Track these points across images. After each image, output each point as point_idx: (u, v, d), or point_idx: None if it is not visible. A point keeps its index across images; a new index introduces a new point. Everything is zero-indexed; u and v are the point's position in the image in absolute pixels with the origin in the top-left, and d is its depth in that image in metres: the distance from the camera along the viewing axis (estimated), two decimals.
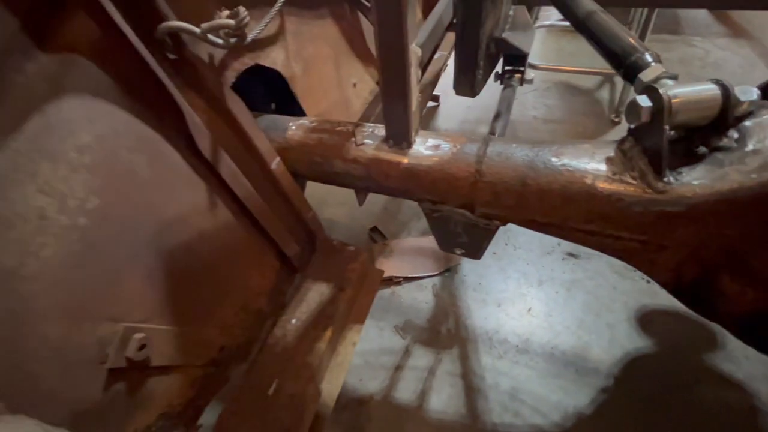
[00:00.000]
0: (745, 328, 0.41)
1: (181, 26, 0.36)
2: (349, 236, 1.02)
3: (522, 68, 0.96)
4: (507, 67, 0.97)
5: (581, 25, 0.53)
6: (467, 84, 0.88)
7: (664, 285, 0.44)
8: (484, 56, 0.83)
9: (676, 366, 0.72)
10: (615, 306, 0.81)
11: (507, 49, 0.90)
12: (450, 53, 1.02)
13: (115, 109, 0.34)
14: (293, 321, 0.53)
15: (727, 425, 0.65)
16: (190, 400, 0.41)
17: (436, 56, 0.97)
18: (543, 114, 1.32)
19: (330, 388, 0.53)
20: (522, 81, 0.98)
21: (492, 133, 0.83)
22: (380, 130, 0.49)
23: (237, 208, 0.46)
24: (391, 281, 0.89)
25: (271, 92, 0.65)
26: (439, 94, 1.42)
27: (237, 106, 0.44)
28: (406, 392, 0.72)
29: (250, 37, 0.45)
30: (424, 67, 0.95)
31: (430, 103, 1.41)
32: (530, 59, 1.03)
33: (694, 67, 1.46)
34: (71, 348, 0.30)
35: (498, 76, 0.99)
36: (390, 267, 0.91)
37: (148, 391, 0.37)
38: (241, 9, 0.38)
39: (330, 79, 0.68)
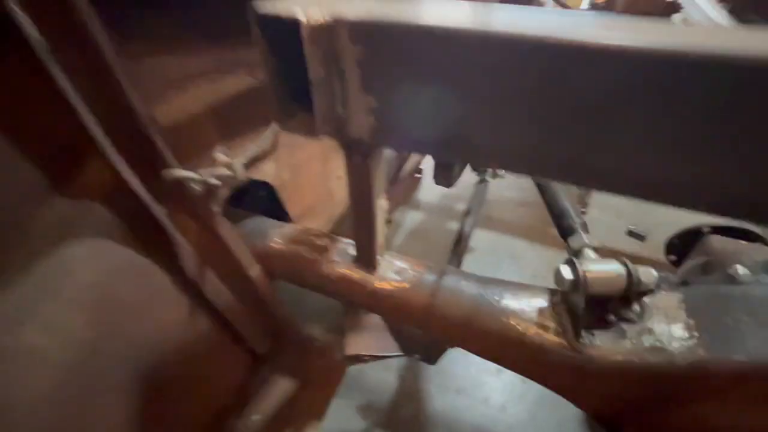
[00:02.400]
0: None
1: (184, 175, 0.42)
2: (322, 306, 1.06)
3: None
4: None
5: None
6: (444, 178, 0.97)
7: (590, 415, 0.49)
8: None
9: None
10: (567, 403, 0.86)
11: None
12: None
13: (115, 245, 0.40)
14: (255, 417, 0.56)
15: None
16: None
17: None
18: (517, 196, 1.42)
19: None
20: (495, 175, 1.08)
21: (461, 232, 0.90)
22: (352, 249, 0.55)
23: (213, 315, 0.50)
24: (359, 359, 0.92)
25: (263, 185, 0.72)
26: (422, 167, 1.51)
27: (225, 227, 0.49)
28: None
29: (243, 161, 0.51)
30: (405, 160, 1.04)
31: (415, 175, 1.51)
32: None
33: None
34: None
35: (474, 168, 1.09)
36: (359, 343, 0.94)
37: None
38: (237, 163, 0.44)
39: (316, 175, 0.76)
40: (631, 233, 0.99)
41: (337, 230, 0.79)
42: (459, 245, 0.93)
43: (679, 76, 0.22)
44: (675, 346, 0.36)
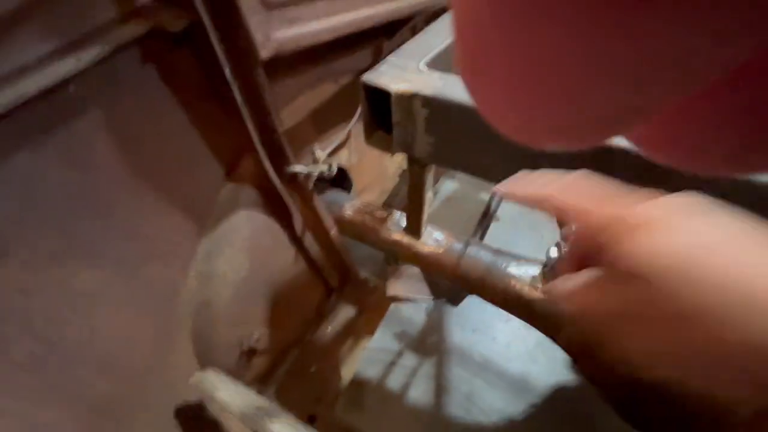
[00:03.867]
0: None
1: (299, 169, 0.63)
2: (369, 256, 1.30)
3: None
4: None
5: None
6: None
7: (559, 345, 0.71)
8: None
9: (590, 396, 0.98)
10: (557, 347, 1.08)
11: None
12: None
13: (258, 213, 0.63)
14: (329, 328, 0.82)
15: None
16: (270, 368, 0.71)
17: None
18: None
19: (346, 373, 0.83)
20: None
21: (489, 205, 1.09)
22: (403, 221, 0.76)
23: (308, 259, 0.74)
24: (397, 299, 1.17)
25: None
26: None
27: (317, 201, 0.71)
28: (393, 382, 1.01)
29: (328, 151, 0.72)
30: None
31: None
32: None
33: None
34: (230, 339, 0.60)
35: None
36: (397, 287, 1.19)
37: (253, 362, 0.67)
38: (334, 164, 0.65)
39: (374, 157, 0.95)
40: None
41: (388, 200, 1.00)
42: (486, 216, 1.11)
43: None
44: None
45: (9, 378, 0.32)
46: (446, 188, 1.48)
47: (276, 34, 0.48)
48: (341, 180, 0.90)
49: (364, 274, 0.90)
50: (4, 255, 0.31)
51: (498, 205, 1.12)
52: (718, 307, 0.16)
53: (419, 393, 1.00)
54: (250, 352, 0.65)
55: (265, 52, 0.46)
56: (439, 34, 0.58)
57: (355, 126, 0.85)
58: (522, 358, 1.04)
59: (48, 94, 0.35)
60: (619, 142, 0.38)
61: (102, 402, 0.46)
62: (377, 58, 0.83)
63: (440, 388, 1.00)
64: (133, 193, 0.46)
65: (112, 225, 0.43)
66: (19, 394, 0.33)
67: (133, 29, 0.39)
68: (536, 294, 0.63)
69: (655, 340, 0.19)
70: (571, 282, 0.23)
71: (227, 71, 0.45)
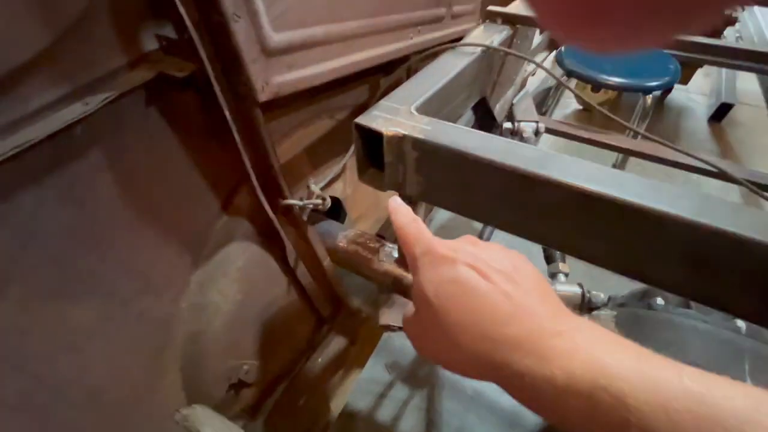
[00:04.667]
0: None
1: (293, 203, 0.65)
2: (363, 284, 1.30)
3: None
4: None
5: None
6: None
7: None
8: None
9: None
10: None
11: None
12: None
13: (252, 244, 0.64)
14: (319, 359, 0.82)
15: None
16: (259, 400, 0.71)
17: None
18: None
19: (336, 405, 0.82)
20: None
21: (482, 234, 1.10)
22: (395, 252, 0.77)
23: (300, 290, 0.75)
24: (389, 328, 1.17)
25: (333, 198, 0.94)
26: None
27: (311, 232, 0.73)
28: (383, 415, 1.00)
29: (323, 183, 0.74)
30: None
31: None
32: None
33: None
34: (219, 372, 0.60)
35: None
36: (390, 316, 1.18)
37: (241, 395, 0.66)
38: (328, 198, 0.67)
39: (368, 188, 0.97)
40: None
41: (382, 230, 1.02)
42: None
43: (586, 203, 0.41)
44: None
45: None
46: (440, 217, 1.50)
47: (275, 78, 0.50)
48: (335, 210, 0.92)
49: (356, 303, 0.91)
50: (3, 293, 0.32)
51: (491, 234, 1.14)
52: (457, 326, 0.29)
53: (410, 426, 0.99)
54: (240, 385, 0.64)
55: (263, 96, 0.49)
56: (429, 81, 0.61)
57: (351, 159, 0.88)
58: None
59: (54, 136, 0.37)
60: (603, 189, 0.40)
61: None
62: (374, 93, 0.86)
63: (431, 422, 0.99)
64: (131, 228, 0.47)
65: (108, 259, 0.44)
66: None
67: (141, 75, 0.42)
68: None
69: (425, 346, 0.33)
70: (407, 309, 0.37)
71: (227, 114, 0.47)
